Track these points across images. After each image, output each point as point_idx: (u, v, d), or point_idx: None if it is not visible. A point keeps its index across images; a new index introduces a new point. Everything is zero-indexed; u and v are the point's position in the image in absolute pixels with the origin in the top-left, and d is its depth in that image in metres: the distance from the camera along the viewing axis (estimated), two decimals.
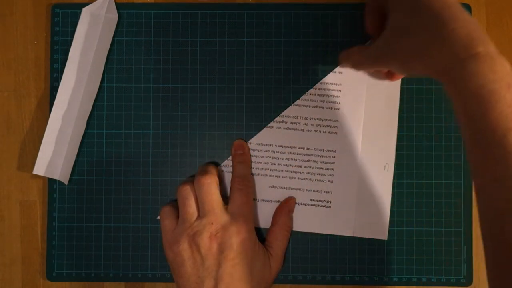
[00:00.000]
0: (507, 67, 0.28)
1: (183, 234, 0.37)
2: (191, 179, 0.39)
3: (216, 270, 0.35)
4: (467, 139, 0.30)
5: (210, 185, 0.38)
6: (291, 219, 0.41)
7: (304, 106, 0.42)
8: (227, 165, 0.42)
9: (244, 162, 0.41)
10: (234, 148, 0.42)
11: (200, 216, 0.37)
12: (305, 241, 0.42)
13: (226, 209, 0.38)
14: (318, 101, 0.42)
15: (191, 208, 0.38)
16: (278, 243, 0.40)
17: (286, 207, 0.41)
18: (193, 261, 0.36)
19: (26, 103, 0.43)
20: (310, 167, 0.42)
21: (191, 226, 0.37)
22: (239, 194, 0.39)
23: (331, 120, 0.42)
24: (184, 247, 0.36)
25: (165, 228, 0.38)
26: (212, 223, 0.36)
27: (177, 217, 0.38)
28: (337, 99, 0.42)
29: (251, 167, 0.42)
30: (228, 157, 0.42)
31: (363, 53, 0.37)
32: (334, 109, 0.42)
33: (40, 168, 0.42)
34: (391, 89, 0.42)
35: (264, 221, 0.42)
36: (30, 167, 0.42)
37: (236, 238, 0.36)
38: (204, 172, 0.39)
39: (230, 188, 0.40)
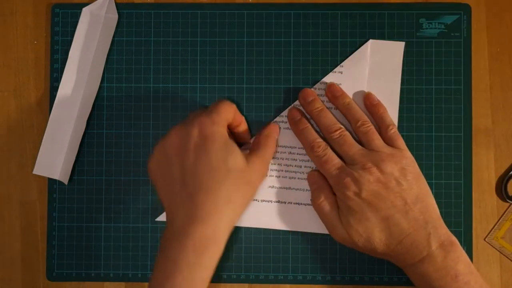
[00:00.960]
0: (453, 258, 0.35)
1: None
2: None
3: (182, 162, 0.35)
4: None
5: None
6: (277, 132, 0.41)
7: None
8: None
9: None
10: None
11: None
12: (305, 241, 0.42)
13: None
14: None
15: None
16: (263, 147, 0.39)
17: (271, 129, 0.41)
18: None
19: (26, 103, 0.43)
20: (310, 167, 0.42)
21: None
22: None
23: None
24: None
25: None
26: None
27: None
28: None
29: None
30: None
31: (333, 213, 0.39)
32: (334, 108, 0.42)
33: (40, 168, 0.42)
34: (391, 89, 0.42)
35: (264, 221, 0.42)
36: (30, 167, 0.42)
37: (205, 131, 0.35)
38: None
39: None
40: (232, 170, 0.35)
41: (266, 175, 0.41)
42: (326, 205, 0.39)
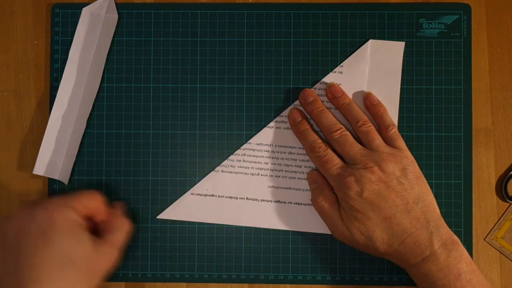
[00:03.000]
0: (456, 256, 0.35)
1: None
2: None
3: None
4: None
5: None
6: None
7: None
8: (226, 165, 0.42)
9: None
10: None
11: None
12: (305, 241, 0.42)
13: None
14: None
15: None
16: (115, 231, 0.37)
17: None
18: None
19: (26, 103, 0.43)
20: (310, 167, 0.42)
21: None
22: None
23: None
24: None
25: None
26: None
27: None
28: None
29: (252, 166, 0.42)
30: (228, 157, 0.42)
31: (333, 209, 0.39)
32: (334, 109, 0.42)
33: (40, 168, 0.42)
34: (391, 89, 0.42)
35: (264, 221, 0.42)
36: (30, 167, 0.42)
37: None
38: None
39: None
40: (75, 261, 0.33)
41: (116, 261, 0.37)
42: (326, 204, 0.39)
